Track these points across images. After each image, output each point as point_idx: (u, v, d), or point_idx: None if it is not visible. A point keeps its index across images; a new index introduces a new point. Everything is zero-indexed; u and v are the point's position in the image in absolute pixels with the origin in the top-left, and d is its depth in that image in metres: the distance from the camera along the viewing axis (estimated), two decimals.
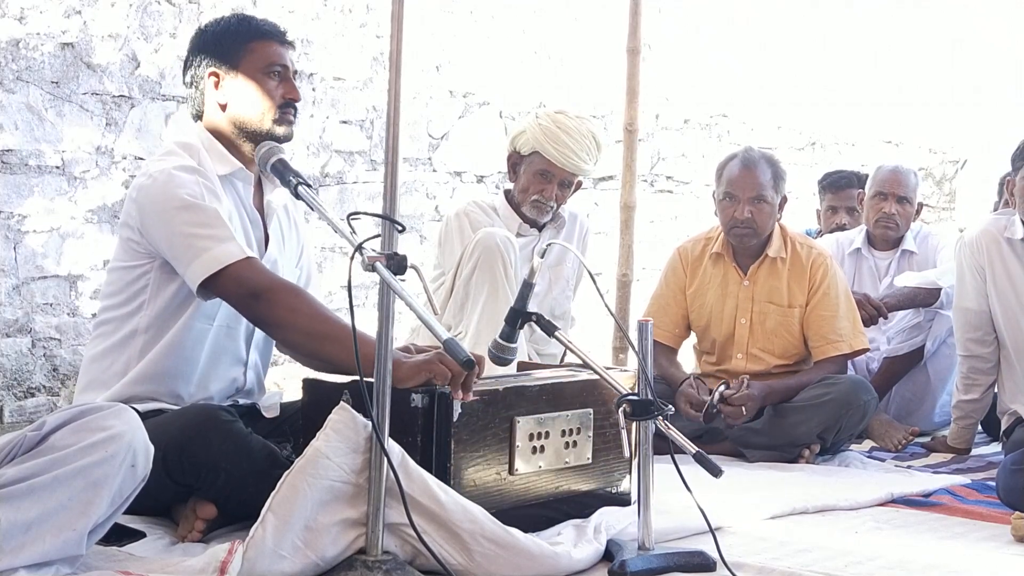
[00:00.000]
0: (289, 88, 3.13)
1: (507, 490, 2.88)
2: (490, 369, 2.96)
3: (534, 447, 2.92)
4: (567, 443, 3.00)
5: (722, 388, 4.13)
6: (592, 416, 3.06)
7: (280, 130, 3.10)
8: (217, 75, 3.12)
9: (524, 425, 2.90)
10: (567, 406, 3.02)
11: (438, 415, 2.72)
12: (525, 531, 2.68)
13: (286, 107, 3.12)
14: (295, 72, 3.19)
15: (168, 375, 3.03)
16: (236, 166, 3.10)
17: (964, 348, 4.27)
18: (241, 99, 3.11)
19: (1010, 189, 4.12)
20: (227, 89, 3.11)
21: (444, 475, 2.70)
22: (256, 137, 3.10)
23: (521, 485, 2.91)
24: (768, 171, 4.32)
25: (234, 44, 3.12)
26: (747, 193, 4.28)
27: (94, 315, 3.39)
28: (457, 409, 2.73)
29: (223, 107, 3.12)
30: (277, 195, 3.21)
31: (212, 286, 2.90)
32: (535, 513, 2.93)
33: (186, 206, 2.92)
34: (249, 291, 2.88)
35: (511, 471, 2.88)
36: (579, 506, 3.02)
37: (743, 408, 4.09)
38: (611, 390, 2.79)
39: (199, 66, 3.15)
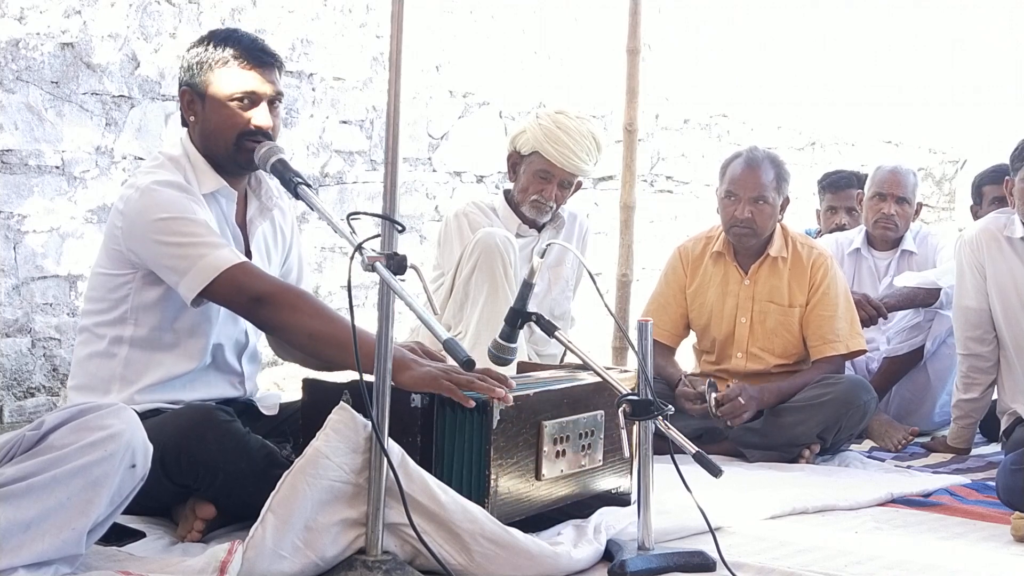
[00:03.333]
0: (257, 115, 3.03)
1: (534, 496, 2.86)
2: None
3: (557, 451, 2.91)
4: (583, 446, 3.00)
5: (714, 395, 4.10)
6: (603, 418, 3.06)
7: (240, 159, 3.04)
8: (190, 95, 3.08)
9: (550, 430, 2.87)
10: (583, 409, 3.00)
11: (479, 423, 2.69)
12: (525, 531, 2.68)
13: (248, 136, 3.02)
14: (276, 95, 3.07)
15: (160, 388, 3.03)
16: (221, 184, 3.07)
17: (964, 347, 4.27)
18: (205, 124, 3.06)
19: (1009, 189, 4.12)
20: (197, 111, 3.08)
21: (484, 485, 2.68)
22: (221, 162, 3.07)
23: (545, 490, 2.90)
24: (771, 172, 4.32)
25: (204, 68, 3.04)
26: (748, 192, 4.28)
27: None
28: (496, 416, 2.70)
29: (194, 125, 3.10)
30: (260, 209, 3.20)
31: (209, 294, 2.89)
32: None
33: (174, 218, 2.91)
34: (251, 296, 2.87)
35: (538, 476, 2.86)
36: (579, 506, 3.02)
37: (740, 399, 4.06)
38: (616, 391, 2.78)
39: (181, 80, 3.12)
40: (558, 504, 2.95)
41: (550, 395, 2.91)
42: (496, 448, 2.71)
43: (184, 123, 3.14)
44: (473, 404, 2.67)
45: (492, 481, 2.70)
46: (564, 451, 2.93)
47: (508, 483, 2.76)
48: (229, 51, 3.04)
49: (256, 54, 3.05)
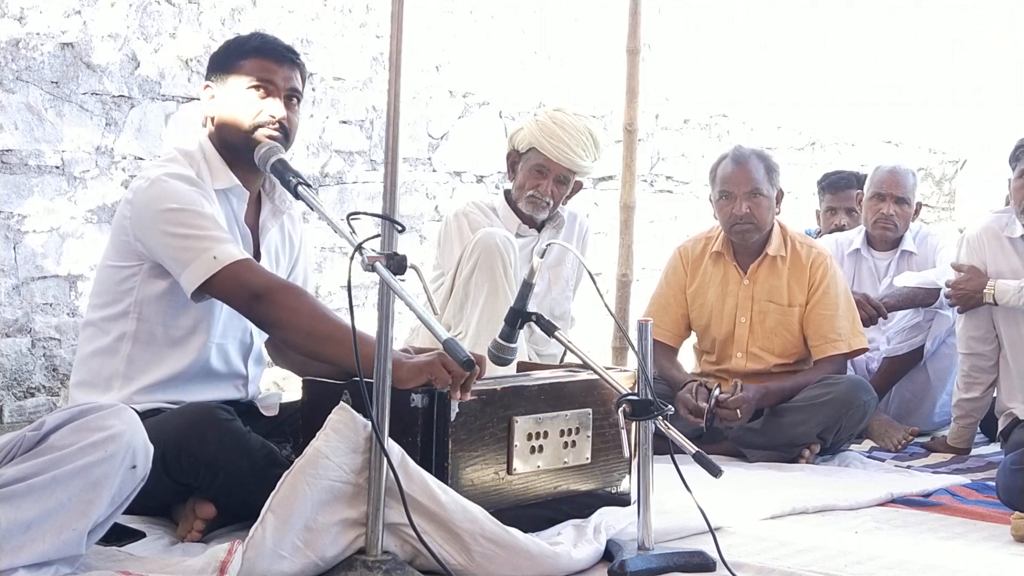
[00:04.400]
0: (272, 106, 3.05)
1: (505, 490, 2.88)
2: (490, 369, 2.96)
3: (532, 447, 2.92)
4: (566, 443, 3.00)
5: (717, 392, 4.11)
6: (591, 416, 3.06)
7: (254, 147, 3.03)
8: (211, 90, 3.13)
9: (522, 425, 2.89)
10: (566, 406, 3.01)
11: (437, 415, 2.72)
12: (525, 531, 2.68)
13: (263, 126, 3.04)
14: (292, 91, 3.10)
15: (162, 387, 3.04)
16: (234, 182, 3.08)
17: (966, 346, 4.27)
18: (223, 113, 3.09)
19: (1011, 188, 4.13)
20: (216, 102, 3.11)
21: (442, 474, 2.70)
22: (239, 153, 3.07)
23: (520, 485, 2.91)
24: (760, 166, 4.33)
25: (227, 59, 3.11)
26: (742, 188, 4.29)
27: None
28: (455, 409, 2.73)
29: (212, 119, 3.12)
30: (273, 211, 3.20)
31: (209, 288, 2.90)
32: (535, 513, 2.93)
33: (181, 209, 2.92)
34: (250, 292, 2.88)
35: (509, 471, 2.88)
36: (579, 506, 3.02)
37: (738, 411, 4.08)
38: (611, 390, 2.79)
39: (205, 77, 3.18)
40: (539, 500, 2.95)
41: (522, 391, 2.93)
42: (455, 440, 2.73)
43: (204, 123, 3.17)
44: (449, 386, 2.69)
45: (450, 472, 2.71)
46: (541, 447, 2.93)
47: (472, 475, 2.78)
48: (251, 45, 3.11)
49: (278, 49, 3.12)
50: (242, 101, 3.06)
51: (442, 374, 2.68)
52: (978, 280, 4.12)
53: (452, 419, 2.73)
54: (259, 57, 3.09)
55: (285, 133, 3.06)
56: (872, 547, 3.02)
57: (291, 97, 3.10)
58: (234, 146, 3.08)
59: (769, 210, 4.34)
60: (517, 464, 2.89)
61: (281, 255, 3.26)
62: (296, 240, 3.32)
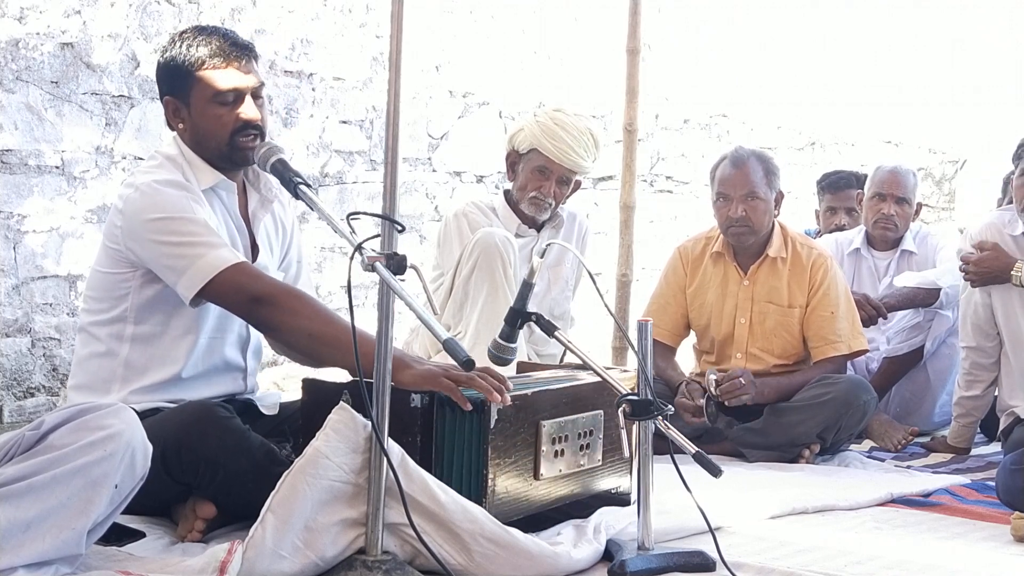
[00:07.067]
0: (244, 110, 3.02)
1: (532, 496, 2.86)
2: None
3: (556, 451, 2.91)
4: (582, 445, 3.00)
5: (713, 378, 4.12)
6: (603, 418, 3.06)
7: (236, 157, 3.05)
8: (174, 104, 3.08)
9: (548, 429, 2.87)
10: (582, 408, 3.00)
11: (477, 423, 2.68)
12: (525, 531, 2.68)
13: (241, 132, 3.02)
14: (258, 85, 3.07)
15: (160, 387, 3.04)
16: (218, 178, 3.07)
17: (969, 340, 4.26)
18: (195, 128, 3.06)
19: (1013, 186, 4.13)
20: (184, 117, 3.08)
21: (481, 484, 2.68)
22: (218, 162, 3.07)
23: (544, 490, 2.89)
24: (759, 168, 4.32)
25: (181, 76, 3.03)
26: (739, 191, 4.29)
27: None
28: (494, 416, 2.69)
29: (183, 131, 3.10)
30: (262, 202, 3.20)
31: (207, 294, 2.90)
32: (540, 514, 2.92)
33: (173, 218, 2.91)
34: (249, 297, 2.88)
35: (536, 476, 2.86)
36: (579, 506, 3.02)
37: (740, 379, 4.07)
38: (616, 391, 2.78)
39: (159, 88, 3.12)
40: (557, 504, 2.94)
41: (549, 395, 2.91)
42: (494, 448, 2.70)
43: (171, 127, 3.14)
44: (471, 407, 2.67)
45: (490, 481, 2.70)
46: (563, 451, 2.92)
47: (506, 483, 2.76)
48: (203, 51, 3.02)
49: (229, 49, 3.04)
50: (213, 116, 3.02)
51: (448, 386, 2.67)
52: (1005, 259, 4.08)
53: (492, 426, 2.69)
54: (217, 63, 3.01)
55: (262, 131, 3.05)
56: (872, 547, 3.02)
57: (257, 93, 3.07)
58: (213, 157, 3.07)
59: (766, 213, 4.34)
60: (544, 469, 2.86)
61: (274, 242, 3.26)
62: (288, 224, 3.32)
